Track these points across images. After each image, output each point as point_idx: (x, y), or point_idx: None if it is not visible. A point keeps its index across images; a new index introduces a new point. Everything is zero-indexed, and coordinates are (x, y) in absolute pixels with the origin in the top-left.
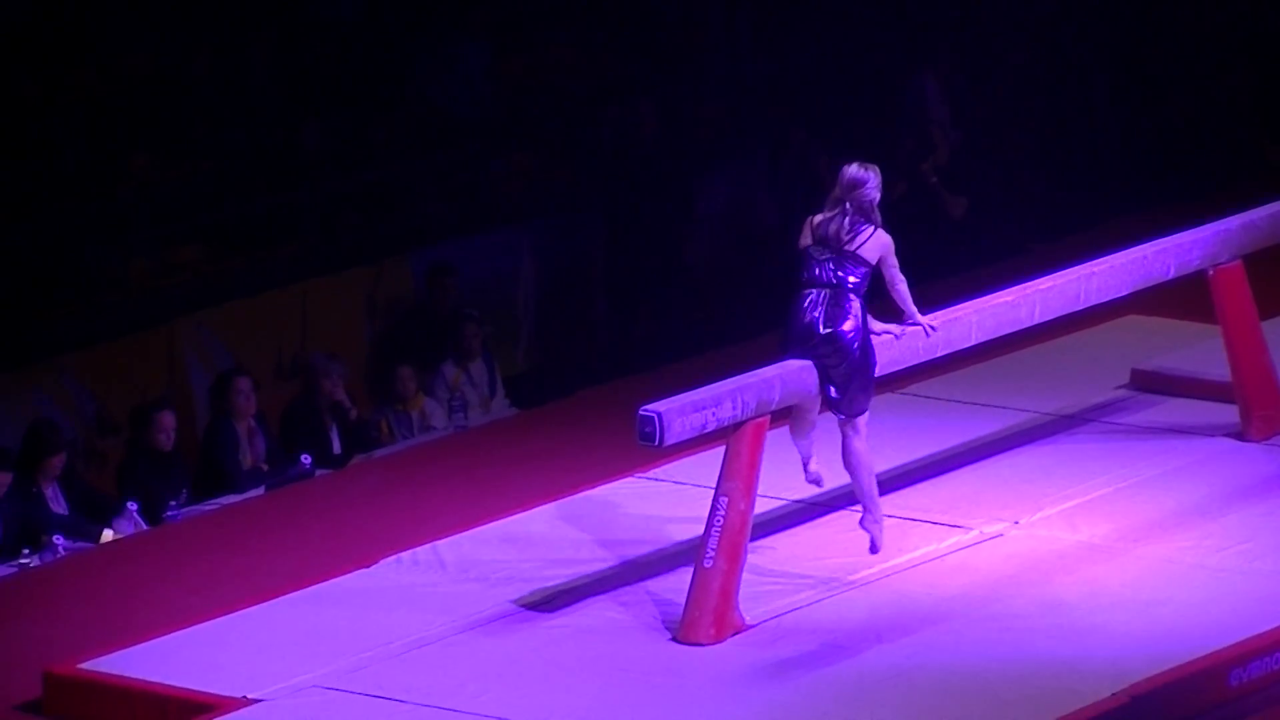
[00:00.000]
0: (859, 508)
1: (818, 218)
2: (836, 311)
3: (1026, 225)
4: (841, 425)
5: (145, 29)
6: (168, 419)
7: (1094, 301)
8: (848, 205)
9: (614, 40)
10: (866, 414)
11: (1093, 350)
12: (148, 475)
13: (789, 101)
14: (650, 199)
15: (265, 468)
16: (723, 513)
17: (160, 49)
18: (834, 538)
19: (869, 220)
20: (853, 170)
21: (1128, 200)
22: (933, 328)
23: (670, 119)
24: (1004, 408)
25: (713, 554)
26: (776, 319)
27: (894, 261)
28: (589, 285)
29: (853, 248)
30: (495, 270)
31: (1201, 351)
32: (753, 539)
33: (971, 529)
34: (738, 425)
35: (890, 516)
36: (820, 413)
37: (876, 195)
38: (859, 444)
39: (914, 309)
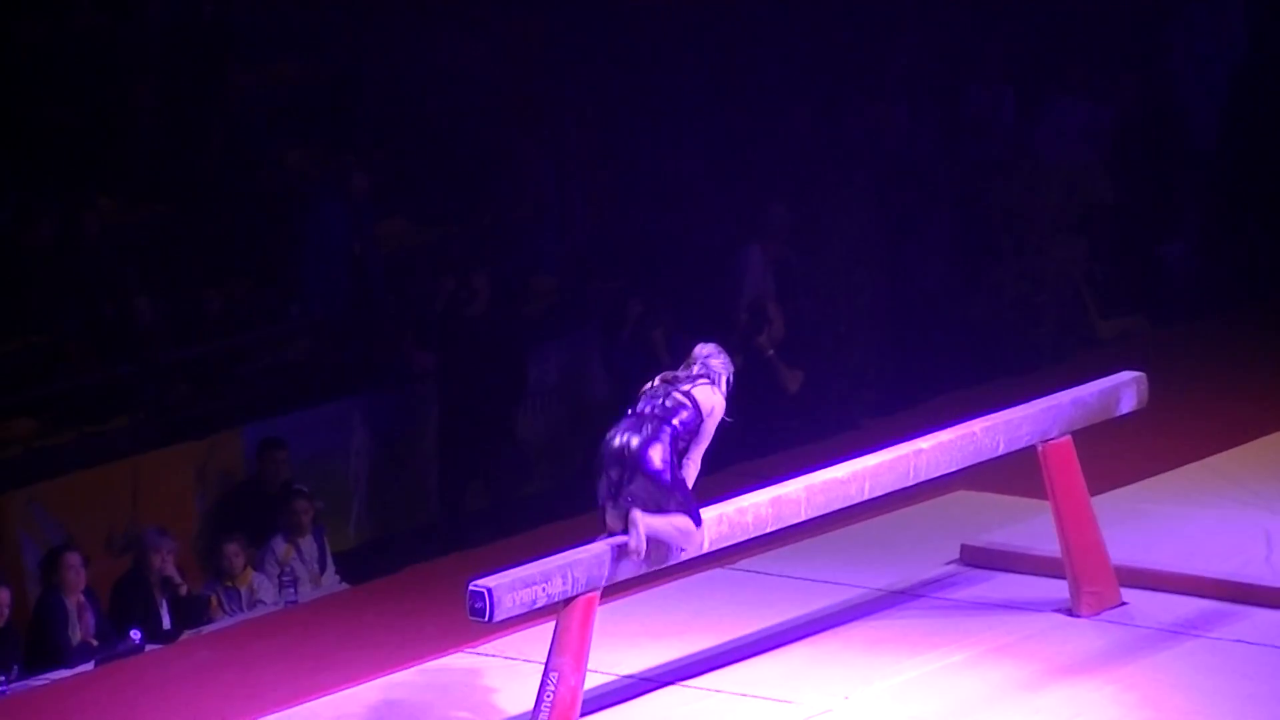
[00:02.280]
0: (687, 683)
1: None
2: (645, 435)
3: (858, 400)
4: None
5: None
6: (1, 594)
7: (924, 478)
8: (695, 366)
9: (447, 212)
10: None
11: (922, 526)
12: None
13: (623, 274)
14: (483, 371)
15: (95, 642)
16: (552, 688)
17: None
18: (664, 714)
19: (710, 377)
20: (710, 346)
21: (958, 375)
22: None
23: (504, 290)
24: (834, 583)
25: None
26: None
27: (711, 429)
28: (421, 459)
29: (686, 387)
30: (327, 444)
31: (1031, 527)
32: (582, 715)
33: (801, 705)
34: (568, 600)
35: (719, 692)
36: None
37: (727, 370)
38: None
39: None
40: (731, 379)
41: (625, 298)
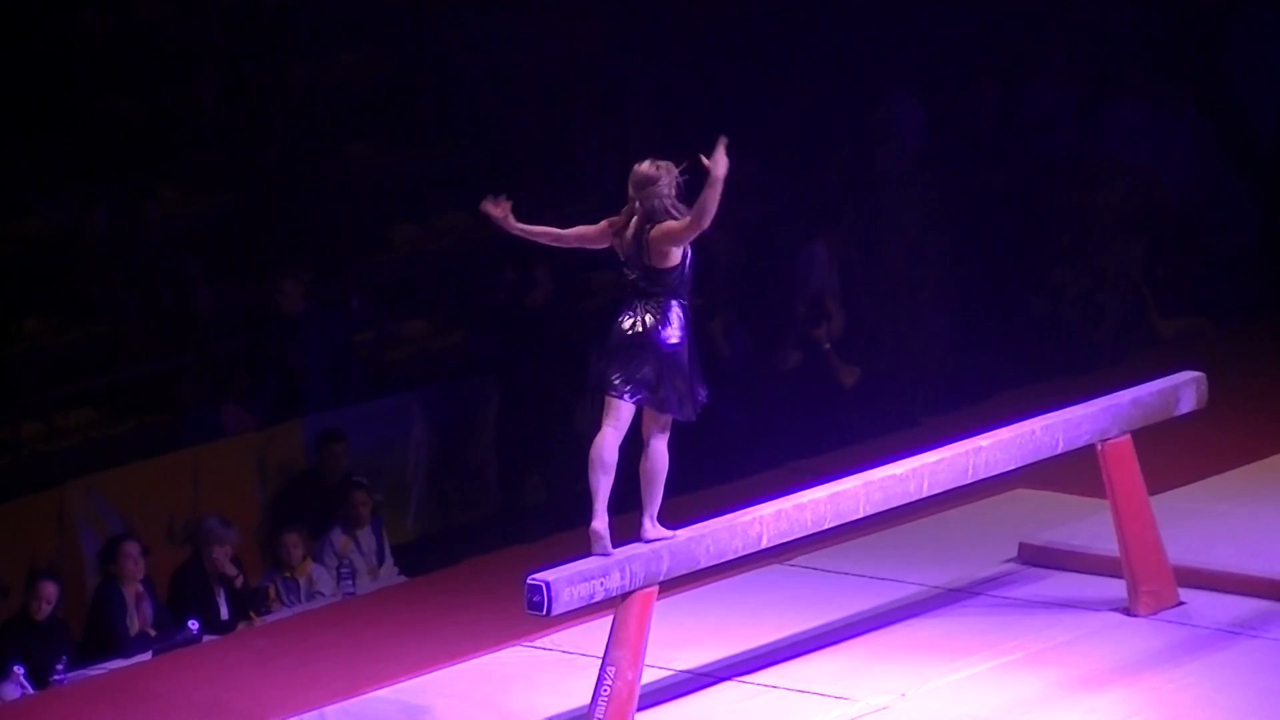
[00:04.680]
0: (744, 678)
1: (616, 229)
2: (658, 319)
3: (916, 398)
4: (648, 428)
5: (38, 190)
6: (49, 588)
7: (982, 475)
8: (638, 205)
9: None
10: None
11: (981, 523)
12: (30, 640)
13: None
14: (543, 365)
15: (153, 632)
16: (610, 682)
17: (53, 211)
18: (720, 709)
19: (658, 221)
20: (643, 167)
21: (1018, 373)
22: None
23: (565, 284)
24: (892, 580)
25: None
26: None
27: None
28: (480, 451)
29: (652, 262)
30: (386, 436)
31: (1090, 526)
32: (639, 709)
33: (858, 701)
34: (626, 595)
35: (775, 688)
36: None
37: (669, 196)
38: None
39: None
40: (672, 193)
41: None
